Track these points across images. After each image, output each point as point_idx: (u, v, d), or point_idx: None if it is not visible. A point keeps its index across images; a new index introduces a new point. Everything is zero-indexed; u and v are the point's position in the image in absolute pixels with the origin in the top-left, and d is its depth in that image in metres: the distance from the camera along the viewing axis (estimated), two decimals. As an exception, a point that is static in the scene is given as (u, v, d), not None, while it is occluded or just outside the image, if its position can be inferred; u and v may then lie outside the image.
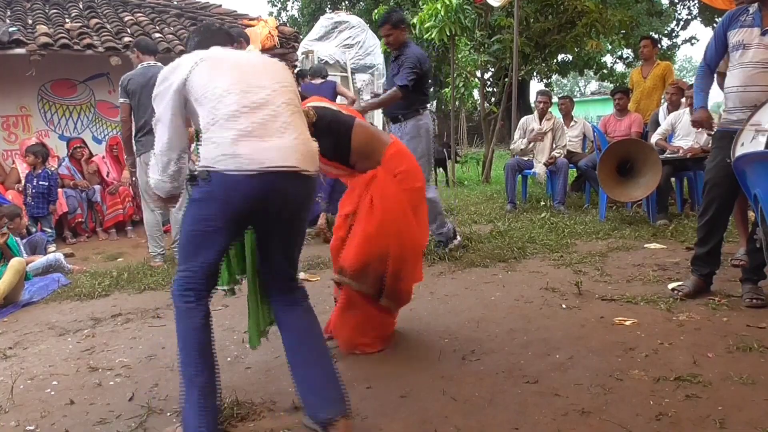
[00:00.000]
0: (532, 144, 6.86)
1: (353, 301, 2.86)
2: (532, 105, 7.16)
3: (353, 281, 2.80)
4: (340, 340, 2.92)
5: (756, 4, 3.17)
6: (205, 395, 1.98)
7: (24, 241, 5.38)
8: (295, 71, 7.81)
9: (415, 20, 9.28)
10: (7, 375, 2.82)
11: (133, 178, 5.18)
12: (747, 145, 2.93)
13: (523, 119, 7.12)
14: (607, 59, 21.31)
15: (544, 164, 6.71)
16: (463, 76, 12.18)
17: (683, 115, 5.70)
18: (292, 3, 23.30)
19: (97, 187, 6.83)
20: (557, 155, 6.70)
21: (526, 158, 6.92)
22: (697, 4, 20.04)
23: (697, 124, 3.32)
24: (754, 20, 3.16)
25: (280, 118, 2.02)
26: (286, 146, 1.99)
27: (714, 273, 3.49)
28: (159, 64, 4.69)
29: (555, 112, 7.54)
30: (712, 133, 3.56)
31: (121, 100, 4.91)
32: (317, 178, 2.10)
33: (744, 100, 3.15)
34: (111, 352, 3.08)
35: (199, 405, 1.95)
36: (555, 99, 8.42)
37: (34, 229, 6.00)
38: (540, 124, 6.86)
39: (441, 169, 10.06)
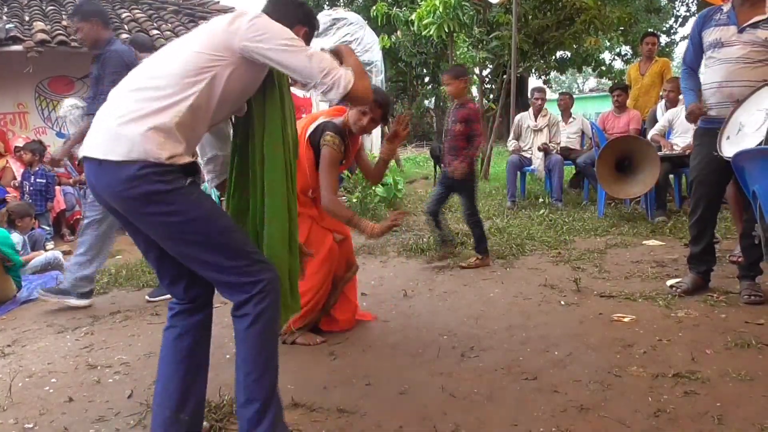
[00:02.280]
0: (527, 142, 6.89)
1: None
2: (530, 101, 7.18)
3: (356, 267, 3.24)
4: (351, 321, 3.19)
5: (729, 3, 3.25)
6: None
7: (25, 236, 5.37)
8: None
9: (413, 17, 9.28)
10: (5, 372, 2.81)
11: None
12: (733, 138, 3.00)
13: (517, 117, 7.14)
14: (606, 56, 21.32)
15: (538, 149, 6.73)
16: (462, 72, 12.15)
17: (681, 111, 5.70)
18: (290, -1, 23.24)
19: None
20: (550, 146, 6.72)
21: (526, 155, 6.93)
22: (695, 1, 20.05)
23: (692, 116, 3.35)
24: (729, 18, 3.22)
25: (119, 99, 1.75)
26: (95, 129, 1.74)
27: (711, 270, 3.49)
28: None
29: (554, 108, 7.55)
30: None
31: None
32: (135, 166, 1.65)
33: (725, 95, 3.20)
34: (110, 350, 3.07)
35: None
36: (551, 96, 8.42)
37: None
38: (535, 121, 6.87)
39: (440, 166, 10.07)
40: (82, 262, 3.80)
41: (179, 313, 1.95)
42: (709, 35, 3.28)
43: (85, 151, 1.73)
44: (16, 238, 4.93)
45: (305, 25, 2.02)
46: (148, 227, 1.78)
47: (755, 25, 3.14)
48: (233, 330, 1.86)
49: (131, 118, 1.68)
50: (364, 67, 2.00)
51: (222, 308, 3.57)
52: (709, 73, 3.30)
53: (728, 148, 3.01)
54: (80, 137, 3.50)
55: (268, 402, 1.84)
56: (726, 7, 3.26)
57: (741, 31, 3.16)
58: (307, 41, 2.02)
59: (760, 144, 2.77)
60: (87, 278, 3.80)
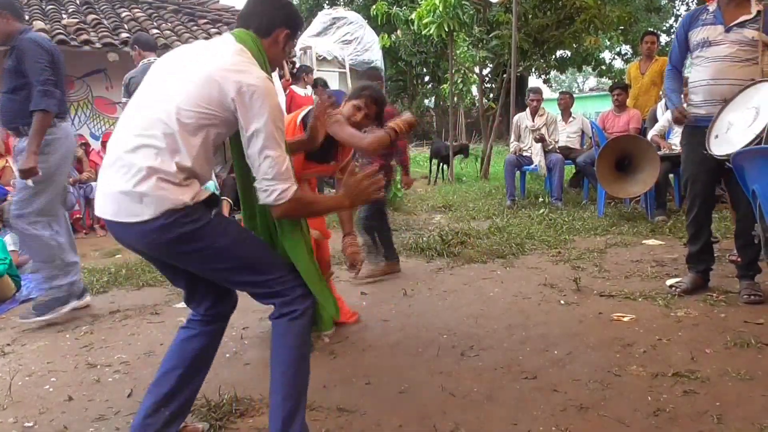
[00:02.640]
0: (527, 143, 6.91)
1: None
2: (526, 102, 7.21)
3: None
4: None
5: (715, 3, 3.29)
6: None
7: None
8: (295, 67, 7.79)
9: (413, 16, 9.28)
10: (5, 371, 2.81)
11: None
12: (722, 136, 3.04)
13: (515, 117, 7.16)
14: (606, 55, 21.32)
15: (534, 140, 6.73)
16: (462, 72, 12.18)
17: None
18: (290, -2, 23.24)
19: (94, 183, 6.81)
20: (549, 143, 6.73)
21: (525, 154, 6.94)
22: (695, 0, 20.03)
23: (678, 121, 3.38)
24: (716, 18, 3.26)
25: (122, 156, 1.75)
26: (108, 191, 1.77)
27: (710, 269, 3.50)
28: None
29: (553, 107, 7.55)
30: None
31: (124, 99, 4.89)
32: (163, 217, 1.71)
33: (714, 93, 3.22)
34: (109, 349, 3.07)
35: None
36: (551, 95, 8.42)
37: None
38: (533, 121, 6.88)
39: (446, 166, 10.11)
40: (46, 280, 3.57)
41: (197, 319, 2.02)
42: (696, 35, 3.31)
43: (105, 214, 1.78)
44: (11, 239, 4.92)
45: (287, 27, 1.95)
46: (183, 263, 1.87)
47: (742, 25, 3.18)
48: (272, 333, 1.92)
49: (143, 178, 1.70)
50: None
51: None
52: (697, 72, 3.33)
53: (717, 147, 3.05)
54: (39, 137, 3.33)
55: (300, 401, 1.90)
56: (712, 7, 3.29)
57: (728, 30, 3.20)
58: (289, 43, 1.98)
59: (752, 141, 2.78)
60: (62, 287, 3.57)
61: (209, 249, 1.79)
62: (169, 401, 1.91)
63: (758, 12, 3.17)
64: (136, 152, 1.72)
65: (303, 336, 1.90)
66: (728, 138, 2.98)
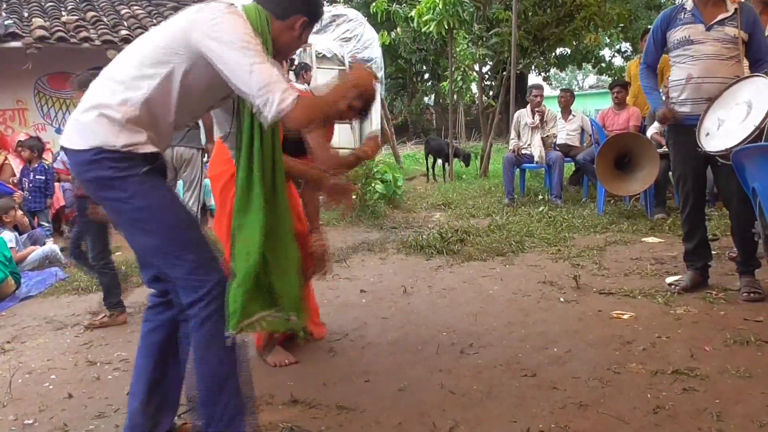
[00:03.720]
0: (526, 140, 6.91)
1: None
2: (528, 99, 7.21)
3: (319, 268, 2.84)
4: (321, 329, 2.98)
5: (690, 2, 3.31)
6: None
7: (25, 235, 5.37)
8: (295, 64, 7.77)
9: (413, 13, 9.26)
10: (5, 369, 2.81)
11: None
12: (713, 133, 3.06)
13: (516, 114, 7.16)
14: (606, 53, 21.31)
15: (530, 125, 6.75)
16: (462, 69, 12.16)
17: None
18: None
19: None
20: (547, 138, 6.75)
21: (524, 152, 6.94)
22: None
23: (664, 120, 3.41)
24: (694, 17, 3.28)
25: (90, 88, 1.81)
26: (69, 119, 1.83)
27: (709, 265, 3.50)
28: None
29: (553, 105, 7.54)
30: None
31: None
32: (90, 153, 1.70)
33: (700, 91, 3.25)
34: (109, 346, 3.08)
35: None
36: (551, 93, 8.42)
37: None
38: (533, 118, 6.88)
39: (447, 164, 10.12)
40: None
41: (153, 308, 1.98)
42: (675, 34, 3.33)
43: (61, 140, 1.82)
44: (7, 235, 4.92)
45: (304, 14, 1.87)
46: (108, 212, 1.86)
47: (722, 23, 3.21)
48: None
49: (89, 107, 1.74)
50: (336, 101, 1.82)
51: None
52: (680, 70, 3.34)
53: (711, 144, 3.06)
54: None
55: (213, 418, 1.81)
56: (688, 6, 3.31)
57: (708, 28, 3.23)
58: (306, 32, 1.91)
59: (752, 133, 2.79)
60: None
61: (127, 203, 1.73)
62: (150, 399, 1.91)
63: (735, 10, 3.21)
64: (95, 88, 1.77)
65: (208, 347, 1.79)
66: (723, 134, 2.99)
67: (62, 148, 1.79)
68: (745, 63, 3.31)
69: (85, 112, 1.73)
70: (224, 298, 1.78)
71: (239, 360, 1.86)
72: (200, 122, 4.93)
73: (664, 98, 3.55)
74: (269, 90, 1.62)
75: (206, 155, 5.07)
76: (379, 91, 11.13)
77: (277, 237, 1.91)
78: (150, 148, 1.76)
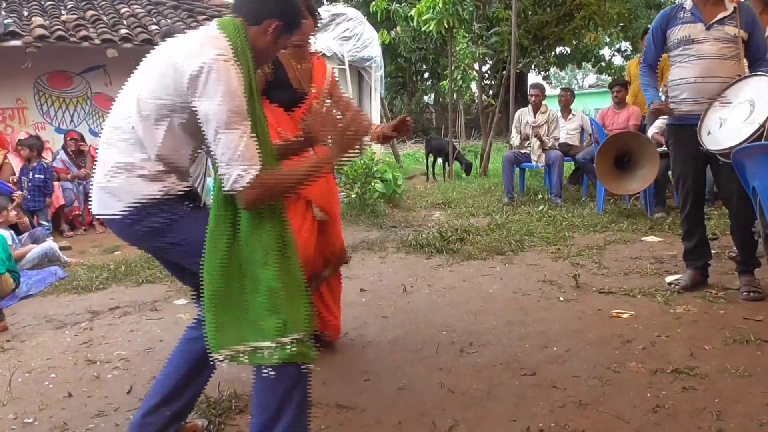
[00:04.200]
0: (527, 140, 6.90)
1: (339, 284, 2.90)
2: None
3: (341, 262, 2.82)
4: (336, 329, 2.90)
5: (690, 1, 3.31)
6: None
7: (25, 235, 5.37)
8: None
9: (412, 12, 9.25)
10: (5, 368, 2.81)
11: None
12: (715, 132, 3.06)
13: (517, 113, 7.15)
14: (605, 52, 21.29)
15: (534, 135, 6.74)
16: (461, 68, 12.15)
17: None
18: (290, -6, 23.22)
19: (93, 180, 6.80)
20: (546, 141, 6.72)
21: (523, 151, 6.94)
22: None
23: (657, 113, 3.43)
24: (694, 16, 3.28)
25: (103, 149, 1.80)
26: (95, 188, 1.82)
27: (708, 264, 3.50)
28: None
29: (554, 104, 7.53)
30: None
31: None
32: (133, 212, 1.73)
33: (701, 90, 3.24)
34: (109, 345, 3.07)
35: None
36: (551, 92, 8.41)
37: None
38: (534, 117, 6.87)
39: (447, 164, 10.12)
40: None
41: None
42: (676, 33, 3.33)
43: (93, 209, 1.84)
44: (5, 233, 4.92)
45: (277, 18, 1.79)
46: (166, 255, 1.90)
47: (722, 22, 3.21)
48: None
49: (114, 169, 1.74)
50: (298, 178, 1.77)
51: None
52: (681, 70, 3.34)
53: (713, 142, 3.06)
54: None
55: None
56: (688, 5, 3.31)
57: (708, 28, 3.23)
58: (282, 38, 1.84)
59: (756, 131, 2.79)
60: None
61: (184, 243, 1.77)
62: (171, 402, 1.90)
63: (734, 9, 3.21)
64: (109, 148, 1.77)
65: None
66: (724, 133, 2.99)
67: (100, 220, 1.81)
68: (744, 63, 3.31)
69: (112, 175, 1.74)
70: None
71: (304, 395, 1.82)
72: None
73: (663, 98, 3.54)
74: (232, 164, 1.62)
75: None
76: (380, 90, 11.13)
77: (275, 252, 1.77)
78: (184, 186, 1.80)
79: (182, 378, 1.92)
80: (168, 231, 1.76)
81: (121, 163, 1.73)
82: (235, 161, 1.62)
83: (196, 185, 4.98)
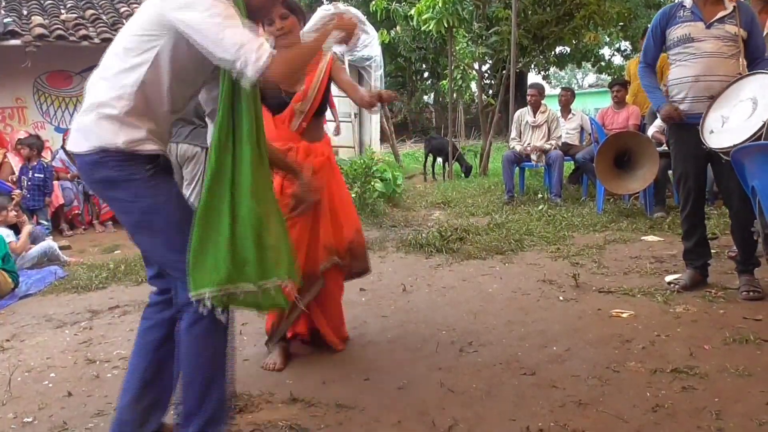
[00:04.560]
0: (525, 139, 6.91)
1: (342, 287, 2.84)
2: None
3: (351, 259, 2.73)
4: (334, 333, 2.82)
5: (689, 0, 3.30)
6: None
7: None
8: None
9: (412, 12, 9.25)
10: (4, 367, 2.81)
11: None
12: (718, 131, 3.06)
13: (517, 113, 7.14)
14: (605, 51, 21.26)
15: (530, 154, 6.75)
16: (461, 68, 12.14)
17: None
18: (289, -6, 23.21)
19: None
20: (548, 147, 6.72)
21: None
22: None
23: (669, 119, 3.40)
24: (693, 15, 3.28)
25: (87, 90, 1.82)
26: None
27: (708, 264, 3.50)
28: None
29: (553, 104, 7.53)
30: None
31: None
32: (95, 153, 1.72)
33: (702, 89, 3.24)
34: (108, 345, 3.07)
35: None
36: (551, 91, 8.39)
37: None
38: (534, 117, 6.87)
39: (447, 163, 10.13)
40: None
41: (153, 306, 1.99)
42: (675, 32, 3.32)
43: (68, 146, 1.85)
44: (4, 232, 4.92)
45: None
46: (115, 211, 1.87)
47: (722, 20, 3.22)
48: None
49: (88, 108, 1.75)
50: (316, 50, 1.82)
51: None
52: (681, 69, 3.33)
53: (716, 141, 3.06)
54: None
55: (194, 417, 1.79)
56: (687, 3, 3.31)
57: (709, 26, 3.23)
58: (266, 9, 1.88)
59: (760, 129, 2.79)
60: None
61: (132, 204, 1.76)
62: (142, 397, 1.91)
63: (734, 8, 3.22)
64: (94, 87, 1.78)
65: (203, 345, 1.78)
66: (728, 131, 2.99)
67: (66, 151, 1.83)
68: (743, 62, 3.31)
69: (85, 114, 1.75)
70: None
71: (229, 361, 1.86)
72: (208, 120, 4.95)
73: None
74: (244, 50, 1.59)
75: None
76: (379, 89, 11.11)
77: (266, 201, 1.83)
78: (151, 147, 1.77)
79: (144, 371, 1.91)
80: (120, 187, 1.74)
81: (95, 102, 1.74)
82: (246, 45, 1.60)
83: (193, 184, 5.04)
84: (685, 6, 3.32)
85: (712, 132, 3.09)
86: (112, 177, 1.74)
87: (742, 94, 3.02)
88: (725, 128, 3.02)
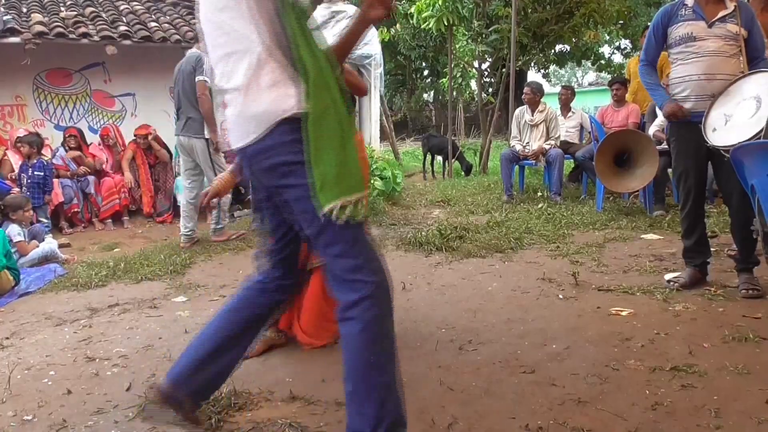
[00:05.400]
0: (525, 137, 6.91)
1: (323, 288, 2.76)
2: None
3: None
4: (311, 329, 2.81)
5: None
6: None
7: (26, 231, 5.37)
8: None
9: (412, 10, 9.24)
10: (4, 365, 2.81)
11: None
12: (721, 129, 3.06)
13: (516, 111, 7.14)
14: (605, 50, 21.22)
15: (530, 158, 6.75)
16: (461, 66, 12.15)
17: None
18: (289, -8, 23.20)
19: (91, 178, 6.82)
20: (547, 147, 6.72)
21: (520, 148, 6.94)
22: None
23: (672, 116, 3.40)
24: (695, 14, 3.28)
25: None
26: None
27: (707, 262, 3.50)
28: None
29: (554, 102, 7.53)
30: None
31: (203, 78, 5.08)
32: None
33: (705, 88, 3.25)
34: (108, 343, 3.07)
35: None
36: (551, 90, 8.38)
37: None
38: (532, 116, 6.86)
39: (447, 161, 10.14)
40: None
41: (263, 286, 1.97)
42: (677, 30, 3.33)
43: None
44: (15, 229, 4.94)
45: None
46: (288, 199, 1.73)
47: (723, 20, 3.22)
48: (341, 336, 1.72)
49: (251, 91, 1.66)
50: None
51: (219, 301, 3.58)
52: (684, 67, 3.33)
53: (719, 139, 3.06)
54: None
55: (379, 424, 1.65)
56: (689, 2, 3.31)
57: (710, 25, 3.23)
58: None
59: (761, 131, 2.79)
60: None
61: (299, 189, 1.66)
62: (210, 362, 1.87)
63: (735, 7, 3.22)
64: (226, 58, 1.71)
65: (373, 347, 1.69)
66: (731, 129, 2.99)
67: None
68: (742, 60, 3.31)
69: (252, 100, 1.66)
70: (389, 302, 1.72)
71: (397, 365, 1.78)
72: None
73: None
74: None
75: (211, 144, 5.23)
76: (379, 87, 11.10)
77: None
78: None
79: (223, 340, 1.87)
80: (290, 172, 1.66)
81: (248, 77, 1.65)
82: None
83: (192, 176, 5.41)
84: (686, 5, 3.32)
85: (714, 130, 3.09)
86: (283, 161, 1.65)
87: (745, 92, 3.03)
88: (729, 126, 3.02)
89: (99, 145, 7.31)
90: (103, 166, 7.04)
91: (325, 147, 1.61)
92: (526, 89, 7.00)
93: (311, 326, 2.84)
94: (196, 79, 5.13)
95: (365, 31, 1.98)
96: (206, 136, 5.20)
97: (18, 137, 6.61)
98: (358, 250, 1.68)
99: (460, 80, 12.81)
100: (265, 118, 1.64)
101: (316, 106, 1.61)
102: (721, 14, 3.23)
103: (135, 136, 7.28)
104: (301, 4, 1.68)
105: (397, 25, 11.54)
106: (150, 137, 7.23)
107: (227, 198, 5.39)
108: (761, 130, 2.81)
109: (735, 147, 2.73)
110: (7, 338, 3.22)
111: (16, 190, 5.95)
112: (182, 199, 5.60)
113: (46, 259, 4.97)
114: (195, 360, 1.89)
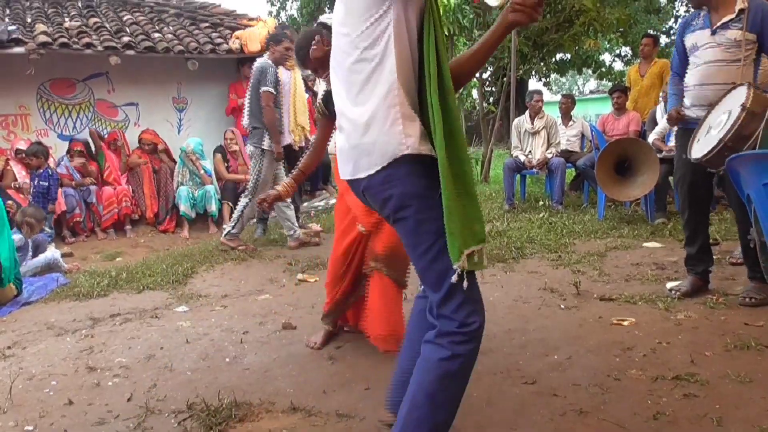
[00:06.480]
0: (525, 146, 6.93)
1: (387, 292, 2.80)
2: (528, 104, 7.20)
3: (385, 267, 2.75)
4: (375, 333, 2.81)
5: (705, 7, 3.29)
6: None
7: (29, 240, 5.38)
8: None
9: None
10: (5, 375, 2.82)
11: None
12: (702, 140, 3.08)
13: (516, 121, 7.15)
14: (606, 57, 21.27)
15: (534, 167, 6.76)
16: (462, 75, 12.15)
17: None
18: (291, 3, 23.26)
19: (93, 187, 6.84)
20: (549, 156, 6.73)
21: (522, 158, 6.94)
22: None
23: (671, 120, 3.46)
24: (704, 22, 3.28)
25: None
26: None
27: (710, 270, 3.49)
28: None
29: (554, 110, 7.54)
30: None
31: (268, 88, 5.16)
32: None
33: (700, 98, 3.27)
34: (109, 353, 3.08)
35: None
36: (552, 98, 8.41)
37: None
38: (532, 124, 6.88)
39: None
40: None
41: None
42: (689, 40, 3.35)
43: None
44: (15, 237, 4.94)
45: None
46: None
47: (725, 26, 3.18)
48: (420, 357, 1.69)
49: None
50: None
51: (221, 311, 3.58)
52: (687, 77, 3.37)
53: (695, 150, 3.10)
54: None
55: None
56: (703, 12, 3.31)
57: (713, 33, 3.22)
58: None
59: (715, 146, 2.85)
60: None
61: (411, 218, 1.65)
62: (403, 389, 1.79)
63: (740, 11, 3.14)
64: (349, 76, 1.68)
65: (452, 381, 1.65)
66: (708, 141, 3.03)
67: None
68: (743, 65, 3.26)
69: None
70: (477, 350, 1.68)
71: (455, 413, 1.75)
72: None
73: (663, 104, 3.57)
74: None
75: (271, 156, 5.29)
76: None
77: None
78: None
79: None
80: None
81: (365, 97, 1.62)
82: None
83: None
84: (700, 13, 3.31)
85: (698, 141, 3.12)
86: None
87: (727, 104, 3.02)
88: (707, 137, 3.05)
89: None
90: (109, 169, 7.12)
91: (457, 193, 1.58)
92: (536, 96, 7.02)
93: (382, 332, 2.81)
94: (261, 90, 5.17)
95: (505, 38, 1.88)
96: (265, 147, 5.23)
97: (17, 149, 6.65)
98: (469, 291, 1.65)
99: (461, 89, 12.84)
100: (384, 152, 1.60)
101: (448, 149, 1.57)
102: (723, 20, 3.17)
103: (140, 140, 7.40)
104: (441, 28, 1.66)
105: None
106: (160, 148, 7.36)
107: (250, 208, 5.34)
108: (714, 147, 2.85)
109: (730, 158, 2.71)
110: (9, 348, 3.23)
111: (11, 200, 5.98)
112: (239, 205, 5.51)
113: (49, 268, 4.98)
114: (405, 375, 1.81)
